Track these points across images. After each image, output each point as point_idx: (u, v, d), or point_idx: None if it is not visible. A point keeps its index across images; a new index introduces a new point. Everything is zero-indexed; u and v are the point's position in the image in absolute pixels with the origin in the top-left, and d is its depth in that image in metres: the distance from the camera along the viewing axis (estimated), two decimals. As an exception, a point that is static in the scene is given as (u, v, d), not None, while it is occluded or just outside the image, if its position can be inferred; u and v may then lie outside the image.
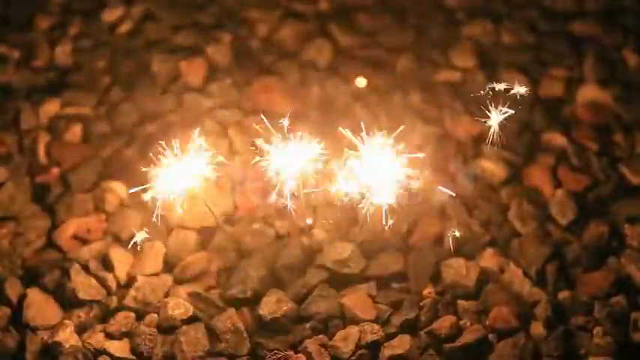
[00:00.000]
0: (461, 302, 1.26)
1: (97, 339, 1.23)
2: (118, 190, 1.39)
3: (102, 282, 1.29)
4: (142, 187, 1.24)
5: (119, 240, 1.34)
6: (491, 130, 1.22)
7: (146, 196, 1.23)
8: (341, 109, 1.49)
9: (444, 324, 1.23)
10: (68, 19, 1.64)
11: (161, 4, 1.65)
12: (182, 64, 1.56)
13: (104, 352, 1.22)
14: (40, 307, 1.26)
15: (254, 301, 1.27)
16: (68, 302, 1.27)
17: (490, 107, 1.22)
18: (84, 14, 1.65)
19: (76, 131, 1.48)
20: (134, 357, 1.22)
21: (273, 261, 1.31)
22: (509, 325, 1.23)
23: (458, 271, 1.29)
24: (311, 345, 1.21)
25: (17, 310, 1.26)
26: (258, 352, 1.22)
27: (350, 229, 1.33)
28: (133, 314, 1.26)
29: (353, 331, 1.23)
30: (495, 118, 1.22)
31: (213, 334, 1.24)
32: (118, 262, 1.31)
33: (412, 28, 1.62)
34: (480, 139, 1.44)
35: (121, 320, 1.25)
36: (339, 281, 1.29)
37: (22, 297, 1.26)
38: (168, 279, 1.30)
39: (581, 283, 1.28)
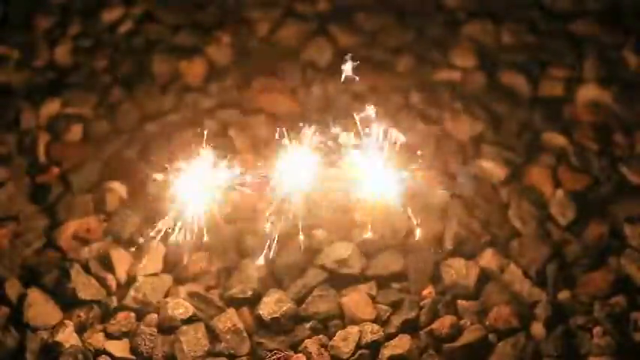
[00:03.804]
0: (461, 302, 1.26)
1: (97, 339, 1.23)
2: (118, 190, 1.39)
3: (102, 282, 1.29)
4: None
5: (119, 240, 1.34)
6: None
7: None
8: (341, 109, 1.49)
9: (444, 324, 1.23)
10: (68, 19, 1.64)
11: (161, 4, 1.65)
12: (182, 64, 1.56)
13: (104, 352, 1.22)
14: (40, 307, 1.26)
15: (254, 301, 1.27)
16: (68, 302, 1.27)
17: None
18: (84, 14, 1.65)
19: (76, 131, 1.48)
20: (134, 357, 1.22)
21: (273, 261, 1.31)
22: (509, 325, 1.23)
23: (458, 271, 1.29)
24: (311, 345, 1.21)
25: (17, 310, 1.26)
26: (258, 352, 1.22)
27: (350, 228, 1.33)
28: (133, 314, 1.26)
29: (353, 331, 1.23)
30: None
31: (213, 334, 1.24)
32: (118, 262, 1.31)
33: (412, 28, 1.62)
34: (479, 139, 1.45)
35: (121, 320, 1.25)
36: (339, 281, 1.29)
37: (22, 297, 1.26)
38: (168, 279, 1.30)
39: (581, 283, 1.28)
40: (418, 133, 1.44)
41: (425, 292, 1.28)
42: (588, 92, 1.51)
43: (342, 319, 1.25)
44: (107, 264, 1.31)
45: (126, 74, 1.56)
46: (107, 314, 1.26)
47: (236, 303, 1.27)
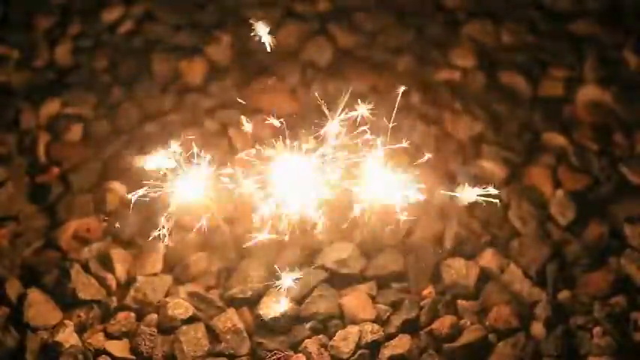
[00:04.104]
0: (461, 302, 1.26)
1: (97, 339, 1.23)
2: (118, 190, 1.39)
3: (102, 282, 1.29)
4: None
5: (119, 240, 1.34)
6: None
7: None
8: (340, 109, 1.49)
9: (444, 324, 1.23)
10: (68, 19, 1.64)
11: (161, 4, 1.65)
12: (182, 64, 1.56)
13: (104, 352, 1.22)
14: (40, 307, 1.26)
15: (254, 301, 1.27)
16: (68, 302, 1.27)
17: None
18: (84, 14, 1.65)
19: (76, 131, 1.48)
20: (134, 357, 1.22)
21: (273, 261, 1.31)
22: (509, 325, 1.23)
23: (458, 271, 1.29)
24: (311, 345, 1.21)
25: (17, 310, 1.26)
26: (258, 352, 1.22)
27: (350, 229, 1.33)
28: (133, 314, 1.26)
29: (353, 331, 1.23)
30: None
31: (213, 334, 1.24)
32: (118, 262, 1.31)
33: (412, 28, 1.62)
34: (479, 139, 1.45)
35: (121, 320, 1.25)
36: (339, 281, 1.29)
37: (22, 297, 1.26)
38: (168, 279, 1.30)
39: (581, 283, 1.28)
40: (418, 133, 1.44)
41: (425, 292, 1.28)
42: (588, 92, 1.51)
43: (342, 319, 1.25)
44: (107, 264, 1.31)
45: (126, 74, 1.56)
46: (107, 314, 1.26)
47: (236, 303, 1.27)
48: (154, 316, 1.25)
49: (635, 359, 1.21)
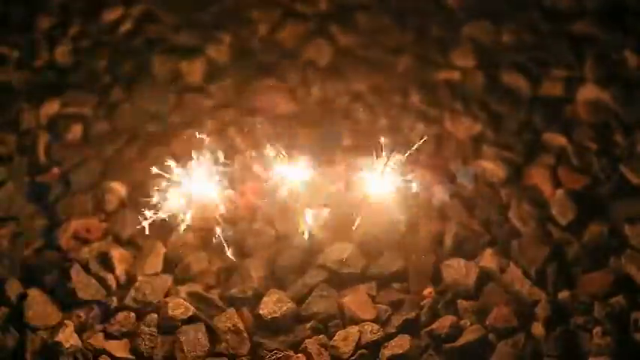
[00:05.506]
0: (461, 302, 1.26)
1: (97, 339, 1.23)
2: (118, 190, 1.39)
3: (102, 282, 1.29)
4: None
5: (119, 240, 1.34)
6: None
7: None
8: (341, 109, 1.50)
9: (444, 324, 1.23)
10: (68, 19, 1.64)
11: (161, 4, 1.65)
12: (182, 64, 1.56)
13: (104, 352, 1.22)
14: (40, 307, 1.26)
15: (254, 301, 1.27)
16: (68, 302, 1.27)
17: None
18: (84, 14, 1.65)
19: (76, 131, 1.48)
20: (134, 357, 1.22)
21: (273, 261, 1.31)
22: (509, 325, 1.23)
23: (458, 271, 1.29)
24: (311, 345, 1.21)
25: (17, 310, 1.25)
26: (258, 352, 1.22)
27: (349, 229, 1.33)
28: (133, 314, 1.26)
29: (353, 331, 1.23)
30: None
31: (213, 334, 1.24)
32: (118, 262, 1.31)
33: (412, 28, 1.62)
34: (479, 139, 1.45)
35: (121, 320, 1.25)
36: (339, 281, 1.29)
37: (22, 297, 1.26)
38: (168, 279, 1.30)
39: (581, 283, 1.28)
40: (418, 133, 1.44)
41: (425, 292, 1.28)
42: (588, 92, 1.51)
43: (342, 319, 1.25)
44: (107, 264, 1.31)
45: (126, 74, 1.56)
46: (107, 314, 1.26)
47: (236, 303, 1.27)
48: (154, 316, 1.25)
49: (635, 359, 1.21)
